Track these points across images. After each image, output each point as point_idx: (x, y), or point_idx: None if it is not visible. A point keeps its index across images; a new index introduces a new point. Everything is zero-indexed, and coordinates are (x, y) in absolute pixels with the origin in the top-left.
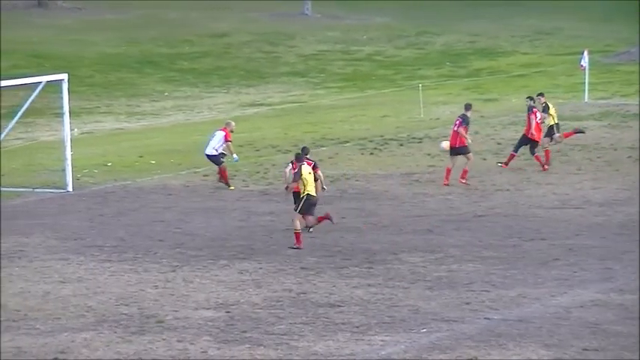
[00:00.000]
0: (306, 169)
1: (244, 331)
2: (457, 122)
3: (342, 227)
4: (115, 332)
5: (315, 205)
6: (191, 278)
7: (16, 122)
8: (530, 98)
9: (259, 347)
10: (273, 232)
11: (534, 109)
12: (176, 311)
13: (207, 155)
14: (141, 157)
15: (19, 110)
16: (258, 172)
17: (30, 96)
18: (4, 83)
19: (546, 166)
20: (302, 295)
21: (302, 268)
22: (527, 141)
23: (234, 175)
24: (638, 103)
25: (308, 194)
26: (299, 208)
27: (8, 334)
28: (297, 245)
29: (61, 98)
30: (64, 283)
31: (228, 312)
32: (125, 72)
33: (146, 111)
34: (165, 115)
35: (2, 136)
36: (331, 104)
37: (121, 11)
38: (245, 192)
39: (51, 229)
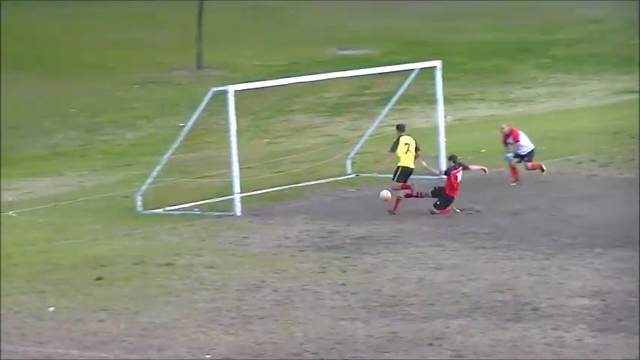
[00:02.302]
0: None
1: (620, 320)
2: None
3: None
4: (490, 319)
5: None
6: (566, 266)
7: (390, 109)
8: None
9: (635, 336)
10: None
11: None
12: (551, 299)
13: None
14: None
15: (393, 97)
16: (633, 160)
17: (404, 83)
18: (379, 70)
19: None
20: None
21: None
22: None
23: (609, 163)
24: None
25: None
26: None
27: (384, 319)
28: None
29: (435, 85)
30: (438, 269)
31: (603, 300)
32: (499, 59)
33: (519, 98)
34: (538, 102)
35: (377, 122)
36: None
37: None
38: (620, 179)
39: (425, 215)
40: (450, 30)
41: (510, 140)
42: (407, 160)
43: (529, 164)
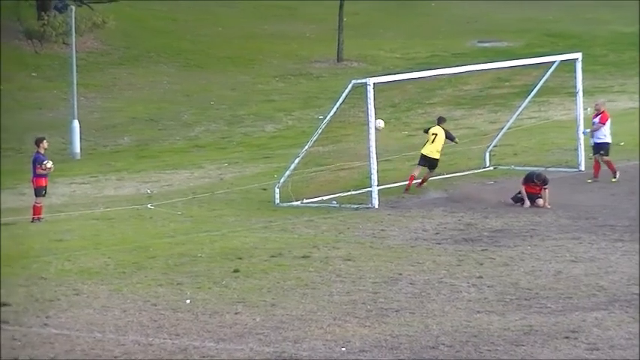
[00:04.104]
0: None
1: None
2: None
3: None
4: (627, 312)
5: None
6: None
7: (530, 101)
8: None
9: None
10: None
11: None
12: None
13: (599, 144)
14: None
15: (533, 89)
16: None
17: (544, 75)
18: (519, 62)
19: None
20: None
21: None
22: None
23: None
24: None
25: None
26: None
27: (519, 312)
28: None
29: (575, 77)
30: (575, 262)
31: None
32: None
33: None
34: None
35: (516, 114)
36: None
37: None
38: None
39: (563, 208)
40: (590, 22)
41: (597, 120)
42: (428, 149)
43: (605, 158)
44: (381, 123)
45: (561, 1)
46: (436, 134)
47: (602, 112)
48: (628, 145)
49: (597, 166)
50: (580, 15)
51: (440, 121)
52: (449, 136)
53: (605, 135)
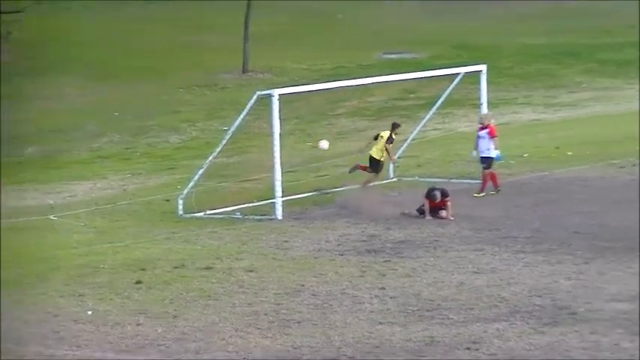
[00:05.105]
0: None
1: None
2: None
3: None
4: (528, 323)
5: None
6: (605, 270)
7: (435, 113)
8: None
9: None
10: None
11: None
12: (589, 303)
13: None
14: (557, 148)
15: (437, 101)
16: None
17: (449, 87)
18: (424, 74)
19: None
20: None
21: None
22: None
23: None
24: None
25: None
26: None
27: (422, 323)
28: None
29: (479, 89)
30: (477, 273)
31: None
32: (545, 63)
33: (564, 102)
34: (582, 107)
35: (420, 125)
36: None
37: (548, 2)
38: None
39: (466, 220)
40: (497, 34)
41: (484, 134)
42: (374, 150)
43: (486, 171)
44: (325, 144)
45: (468, 14)
46: (382, 136)
47: (489, 125)
48: (532, 157)
49: (494, 177)
50: (487, 27)
51: (393, 127)
52: (389, 140)
53: (489, 149)
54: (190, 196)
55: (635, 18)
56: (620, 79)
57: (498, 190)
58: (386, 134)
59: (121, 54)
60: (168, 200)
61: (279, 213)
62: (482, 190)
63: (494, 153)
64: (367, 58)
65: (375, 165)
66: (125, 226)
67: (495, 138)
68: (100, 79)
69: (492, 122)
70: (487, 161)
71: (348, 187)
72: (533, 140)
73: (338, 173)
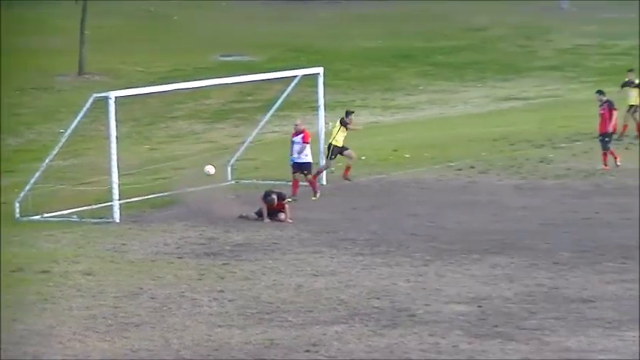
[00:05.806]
0: None
1: (495, 326)
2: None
3: (596, 222)
4: (367, 326)
5: None
6: (443, 272)
7: (272, 115)
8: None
9: (510, 342)
10: (527, 227)
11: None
12: (428, 305)
13: (301, 163)
14: (395, 150)
15: (274, 104)
16: (512, 167)
17: (286, 90)
18: (261, 77)
19: None
20: (554, 290)
21: (554, 263)
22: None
23: (488, 170)
24: None
25: None
26: None
27: (260, 326)
28: None
29: (317, 92)
30: (316, 276)
31: (479, 306)
32: (381, 66)
33: (401, 105)
34: (419, 109)
35: (258, 128)
36: (586, 99)
37: (386, 4)
38: (498, 186)
39: (304, 222)
40: (334, 37)
41: (298, 139)
42: (336, 140)
43: (310, 177)
44: (211, 169)
45: (305, 17)
46: (336, 127)
47: (304, 130)
48: (370, 159)
49: (296, 184)
50: (323, 30)
51: (347, 114)
52: (342, 123)
53: (307, 154)
54: (27, 199)
55: (468, 22)
56: (456, 82)
57: (295, 199)
58: (338, 124)
59: None
60: (5, 203)
61: (116, 216)
62: (315, 193)
63: (310, 158)
64: (203, 60)
65: (336, 152)
66: None
67: (308, 143)
68: None
69: (304, 128)
70: (306, 167)
71: (187, 190)
72: (371, 143)
73: (176, 176)
